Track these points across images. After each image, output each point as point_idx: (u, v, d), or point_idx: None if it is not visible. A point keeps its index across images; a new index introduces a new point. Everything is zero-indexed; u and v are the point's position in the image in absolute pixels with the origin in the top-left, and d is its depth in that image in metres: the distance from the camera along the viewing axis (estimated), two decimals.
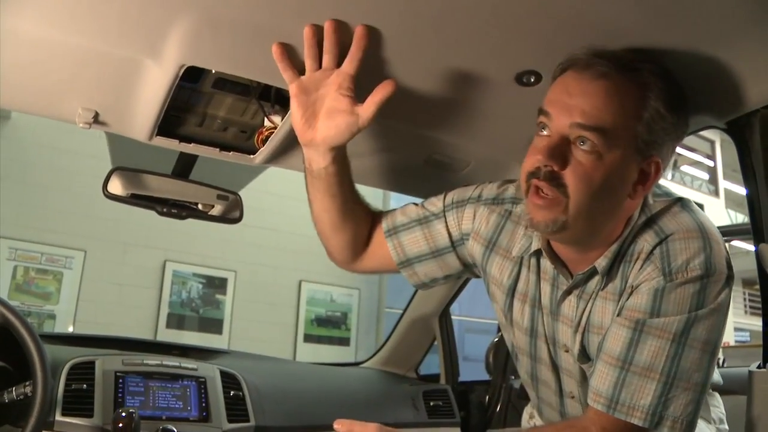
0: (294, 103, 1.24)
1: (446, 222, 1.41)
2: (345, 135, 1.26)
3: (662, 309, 1.10)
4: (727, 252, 1.16)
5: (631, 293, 1.15)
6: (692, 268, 1.10)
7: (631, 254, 1.17)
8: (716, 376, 1.38)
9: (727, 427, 1.42)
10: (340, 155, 1.31)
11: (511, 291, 1.35)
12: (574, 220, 1.11)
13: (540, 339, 1.33)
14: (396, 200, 8.89)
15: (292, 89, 1.22)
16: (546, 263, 1.28)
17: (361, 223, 1.44)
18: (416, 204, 1.47)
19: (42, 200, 6.82)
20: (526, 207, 1.17)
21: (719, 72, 1.24)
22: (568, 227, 1.12)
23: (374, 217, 1.47)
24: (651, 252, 1.14)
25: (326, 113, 1.23)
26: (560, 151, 1.09)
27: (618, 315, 1.16)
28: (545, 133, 1.13)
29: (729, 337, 13.04)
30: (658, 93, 1.11)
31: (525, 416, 1.69)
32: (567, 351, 1.29)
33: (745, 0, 1.07)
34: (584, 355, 1.25)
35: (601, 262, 1.18)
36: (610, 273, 1.19)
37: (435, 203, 1.45)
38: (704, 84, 1.29)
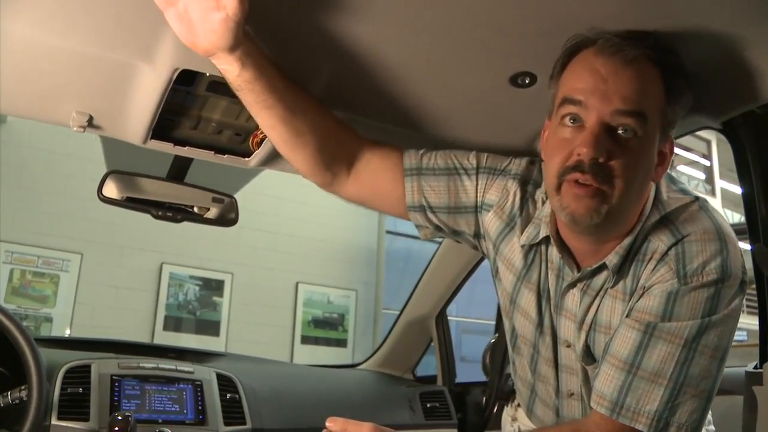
0: (169, 19, 1.08)
1: (477, 182, 1.34)
2: (227, 35, 1.07)
3: (674, 313, 1.07)
4: (742, 256, 1.13)
5: (642, 294, 1.12)
6: (708, 271, 1.07)
7: (644, 253, 1.14)
8: None
9: (713, 428, 1.39)
10: (249, 60, 1.15)
11: (522, 276, 1.30)
12: (616, 209, 1.08)
13: (546, 331, 1.29)
14: None
15: (160, 4, 1.06)
16: (552, 253, 1.24)
17: (328, 135, 1.33)
18: (443, 152, 1.39)
19: (38, 203, 6.79)
20: (563, 201, 1.10)
21: (713, 72, 1.24)
22: (611, 218, 1.08)
23: (356, 135, 1.39)
24: (666, 252, 1.11)
25: (199, 19, 1.07)
26: (606, 141, 1.05)
27: (627, 316, 1.13)
28: (576, 124, 1.08)
29: None
30: (677, 71, 1.11)
31: (506, 418, 1.65)
32: (569, 347, 1.25)
33: (738, 1, 1.07)
34: (589, 355, 1.21)
35: (612, 259, 1.14)
36: (621, 271, 1.15)
37: (468, 158, 1.36)
38: (699, 84, 1.28)
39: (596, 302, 1.19)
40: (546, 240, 1.24)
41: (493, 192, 1.33)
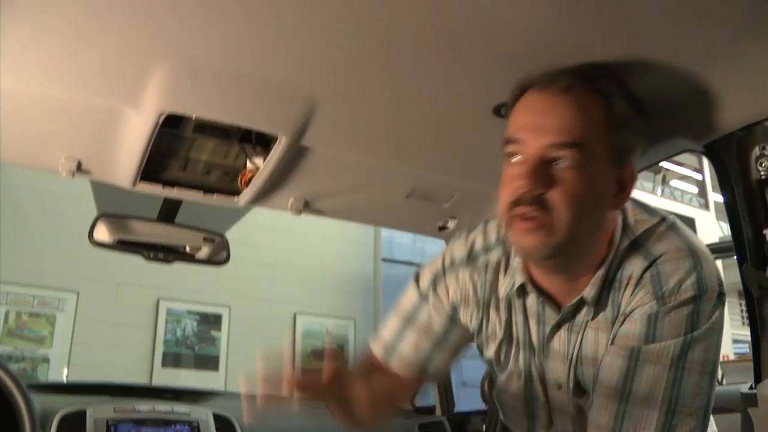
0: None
1: (432, 305, 1.34)
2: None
3: (657, 334, 1.07)
4: (717, 269, 1.12)
5: (624, 321, 1.11)
6: (684, 289, 1.07)
7: (620, 280, 1.13)
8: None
9: None
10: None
11: (509, 339, 1.29)
12: (565, 240, 1.07)
13: (535, 381, 1.28)
14: (388, 228, 8.90)
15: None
16: (530, 300, 1.24)
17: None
18: (392, 313, 1.39)
19: (33, 243, 6.78)
20: (512, 237, 1.11)
21: (695, 96, 1.26)
22: (560, 249, 1.08)
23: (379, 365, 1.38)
24: (641, 276, 1.10)
25: None
26: (541, 173, 1.05)
27: (612, 344, 1.12)
28: (517, 159, 1.09)
29: (727, 349, 12.99)
30: (621, 98, 1.11)
31: None
32: (560, 388, 1.23)
33: (717, 25, 1.09)
34: (579, 389, 1.20)
35: (590, 291, 1.13)
36: (599, 301, 1.14)
37: (410, 296, 1.37)
38: (681, 108, 1.31)
39: (579, 337, 1.18)
40: (521, 292, 1.24)
41: (451, 293, 1.33)
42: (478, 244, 1.32)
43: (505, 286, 1.26)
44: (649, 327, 1.07)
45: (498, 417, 2.37)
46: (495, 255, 1.28)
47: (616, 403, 1.08)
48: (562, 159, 1.05)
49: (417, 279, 1.38)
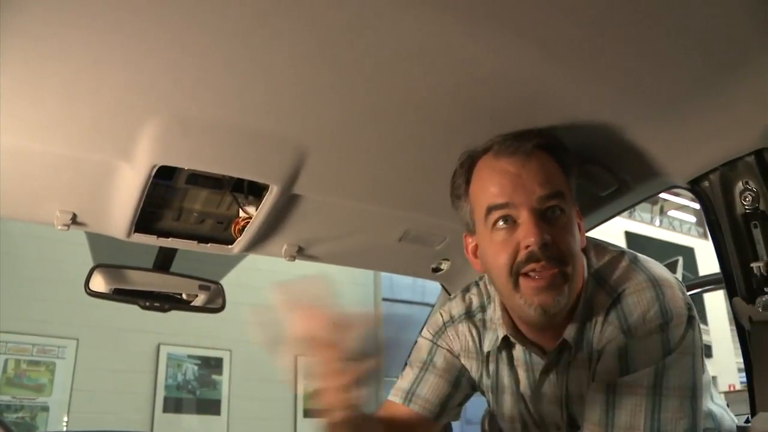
0: None
1: (444, 349, 1.39)
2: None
3: (630, 366, 1.09)
4: (684, 293, 1.15)
5: (599, 358, 1.14)
6: (649, 319, 1.10)
7: (590, 318, 1.17)
8: (734, 424, 1.36)
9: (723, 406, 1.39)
10: None
11: (498, 388, 1.33)
12: (572, 286, 1.12)
13: (531, 426, 1.31)
14: None
15: None
16: (515, 352, 1.28)
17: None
18: (405, 369, 1.42)
19: (32, 291, 6.76)
20: (524, 297, 1.12)
21: (677, 135, 1.29)
22: (570, 296, 1.12)
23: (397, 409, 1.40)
24: (608, 313, 1.14)
25: None
26: (544, 225, 1.10)
27: (593, 380, 1.14)
28: (509, 224, 1.12)
29: (734, 378, 12.85)
30: (561, 148, 1.19)
31: None
32: (558, 429, 1.26)
33: (699, 62, 1.12)
34: (573, 428, 1.23)
35: (570, 332, 1.17)
36: (577, 342, 1.18)
37: (422, 345, 1.41)
38: (664, 147, 1.33)
39: (565, 378, 1.21)
40: (505, 345, 1.27)
41: (453, 344, 1.38)
42: (475, 303, 1.38)
43: (488, 340, 1.31)
44: (621, 360, 1.10)
45: None
46: (489, 312, 1.34)
47: None
48: (552, 210, 1.12)
49: (423, 332, 1.43)
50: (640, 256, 1.22)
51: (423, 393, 1.36)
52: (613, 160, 1.41)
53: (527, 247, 1.10)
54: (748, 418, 1.33)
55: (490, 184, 1.15)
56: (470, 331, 1.35)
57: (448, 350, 1.38)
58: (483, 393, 1.41)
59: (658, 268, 1.19)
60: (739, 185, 1.33)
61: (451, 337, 1.38)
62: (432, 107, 1.22)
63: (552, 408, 1.26)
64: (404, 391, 1.37)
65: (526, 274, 1.11)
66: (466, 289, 1.41)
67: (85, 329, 6.95)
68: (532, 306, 1.12)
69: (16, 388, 6.66)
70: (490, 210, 1.14)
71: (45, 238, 6.80)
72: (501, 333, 1.26)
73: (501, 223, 1.13)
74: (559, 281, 1.10)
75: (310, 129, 1.28)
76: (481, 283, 1.39)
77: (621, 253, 1.22)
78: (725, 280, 1.37)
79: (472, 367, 1.37)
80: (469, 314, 1.37)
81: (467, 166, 1.21)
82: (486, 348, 1.32)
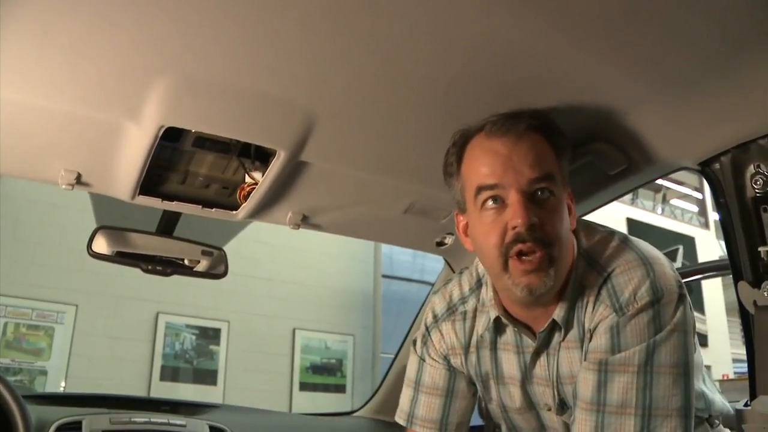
0: None
1: (429, 363, 1.41)
2: None
3: (621, 344, 1.10)
4: (674, 271, 1.16)
5: (591, 337, 1.15)
6: (640, 297, 1.11)
7: (581, 298, 1.18)
8: (724, 406, 1.37)
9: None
10: None
11: (482, 375, 1.36)
12: (561, 266, 1.13)
13: (512, 412, 1.34)
14: (387, 245, 8.89)
15: None
16: (506, 334, 1.29)
17: None
18: (405, 382, 1.47)
19: (32, 255, 6.78)
20: (512, 278, 1.14)
21: (689, 115, 1.28)
22: (557, 278, 1.13)
23: None
24: (599, 292, 1.15)
25: None
26: (532, 207, 1.11)
27: (585, 359, 1.16)
28: (498, 203, 1.14)
29: (728, 368, 12.92)
30: (554, 130, 1.19)
31: None
32: (549, 409, 1.28)
33: (706, 48, 1.10)
34: (563, 408, 1.24)
35: (559, 313, 1.18)
36: (567, 322, 1.19)
37: (412, 363, 1.45)
38: (675, 127, 1.32)
39: (556, 359, 1.23)
40: (497, 327, 1.29)
41: (439, 347, 1.40)
42: (456, 295, 1.40)
43: (482, 323, 1.32)
44: (612, 338, 1.11)
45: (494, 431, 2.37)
46: (471, 303, 1.36)
47: (594, 416, 1.11)
48: (540, 191, 1.12)
49: (414, 344, 1.45)
50: (630, 236, 1.23)
51: (420, 414, 1.40)
52: (623, 138, 1.40)
53: (514, 228, 1.11)
54: (747, 401, 1.33)
55: (481, 164, 1.16)
56: (453, 328, 1.38)
57: (434, 363, 1.40)
58: (473, 383, 1.42)
59: (647, 247, 1.21)
60: (751, 168, 1.32)
61: (436, 341, 1.40)
62: (442, 80, 1.21)
63: (543, 389, 1.27)
64: (405, 414, 1.42)
65: (514, 257, 1.12)
66: (448, 282, 1.44)
67: (84, 295, 6.97)
68: (518, 286, 1.13)
69: (15, 351, 6.70)
70: (480, 190, 1.15)
71: (47, 203, 6.80)
72: (492, 314, 1.28)
73: (490, 203, 1.14)
74: (545, 264, 1.11)
75: (320, 96, 1.26)
76: (463, 275, 1.41)
77: (611, 233, 1.24)
78: (731, 263, 1.37)
79: (460, 361, 1.38)
80: (450, 310, 1.39)
81: (460, 144, 1.21)
82: (479, 331, 1.33)
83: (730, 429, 1.43)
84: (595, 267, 1.18)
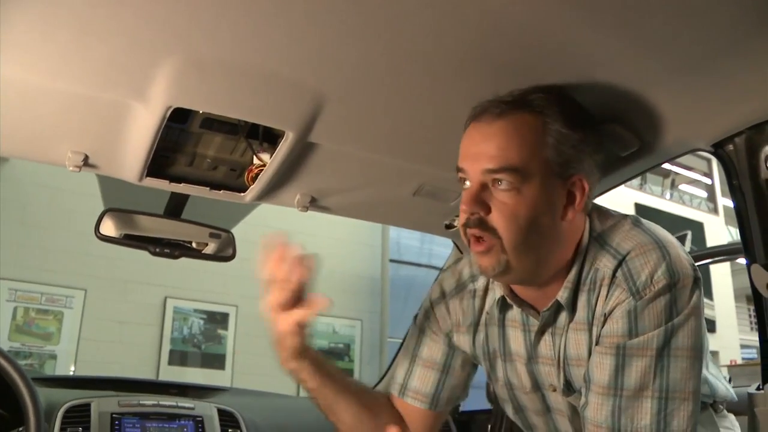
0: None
1: (430, 337, 1.42)
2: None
3: (639, 328, 1.10)
4: (687, 254, 1.16)
5: (605, 321, 1.14)
6: (657, 280, 1.10)
7: (592, 281, 1.17)
8: (727, 392, 1.37)
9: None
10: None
11: (487, 352, 1.36)
12: (515, 257, 1.13)
13: (518, 390, 1.34)
14: (395, 229, 8.90)
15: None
16: (512, 312, 1.29)
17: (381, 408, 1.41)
18: (401, 354, 1.49)
19: (41, 240, 6.81)
20: (473, 259, 1.20)
21: (702, 96, 1.26)
22: (512, 265, 1.13)
23: (383, 398, 1.45)
24: (614, 275, 1.14)
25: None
26: (480, 198, 1.12)
27: (597, 344, 1.15)
28: (467, 185, 1.15)
29: (736, 354, 12.93)
30: (555, 116, 1.14)
31: None
32: (555, 390, 1.27)
33: (725, 23, 1.08)
34: (569, 389, 1.24)
35: (563, 294, 1.18)
36: (574, 303, 1.19)
37: (412, 335, 1.46)
38: (688, 108, 1.30)
39: (563, 339, 1.22)
40: (503, 305, 1.29)
41: (443, 323, 1.41)
42: (466, 273, 1.40)
43: (489, 301, 1.33)
44: (630, 322, 1.11)
45: (503, 416, 2.37)
46: (481, 282, 1.36)
47: (611, 400, 1.11)
48: (499, 182, 1.12)
49: (416, 317, 1.46)
50: (642, 219, 1.22)
51: (414, 385, 1.41)
52: (635, 120, 1.38)
53: (463, 213, 1.15)
54: (759, 385, 1.33)
55: (462, 146, 1.18)
56: (460, 305, 1.38)
57: (435, 337, 1.41)
58: (479, 362, 1.42)
59: (660, 230, 1.20)
60: (765, 149, 1.30)
61: (441, 317, 1.41)
62: (452, 59, 1.20)
63: (548, 369, 1.27)
64: (399, 385, 1.42)
65: (471, 237, 1.15)
66: (459, 260, 1.44)
67: (93, 280, 7.01)
68: (475, 266, 1.19)
69: (24, 335, 6.76)
70: (457, 169, 1.18)
71: (55, 188, 6.82)
72: (498, 293, 1.29)
73: (463, 183, 1.17)
74: (497, 250, 1.13)
75: (328, 76, 1.25)
76: None
77: (624, 216, 1.23)
78: (744, 246, 1.36)
79: (465, 341, 1.39)
80: (459, 287, 1.40)
81: (467, 121, 1.21)
82: (486, 308, 1.34)
83: (734, 414, 1.43)
84: (608, 250, 1.17)
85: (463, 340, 1.39)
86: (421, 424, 1.41)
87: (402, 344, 2.16)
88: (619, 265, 1.14)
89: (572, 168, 1.15)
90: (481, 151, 1.13)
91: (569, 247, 1.18)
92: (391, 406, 1.42)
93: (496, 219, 1.12)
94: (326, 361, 1.31)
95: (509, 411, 1.43)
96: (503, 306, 1.30)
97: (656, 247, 1.13)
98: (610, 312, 1.13)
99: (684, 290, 1.11)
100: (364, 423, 1.34)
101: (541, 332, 1.25)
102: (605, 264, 1.16)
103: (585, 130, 1.17)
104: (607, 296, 1.14)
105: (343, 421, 1.33)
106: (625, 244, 1.16)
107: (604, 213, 1.24)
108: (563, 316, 1.21)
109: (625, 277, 1.13)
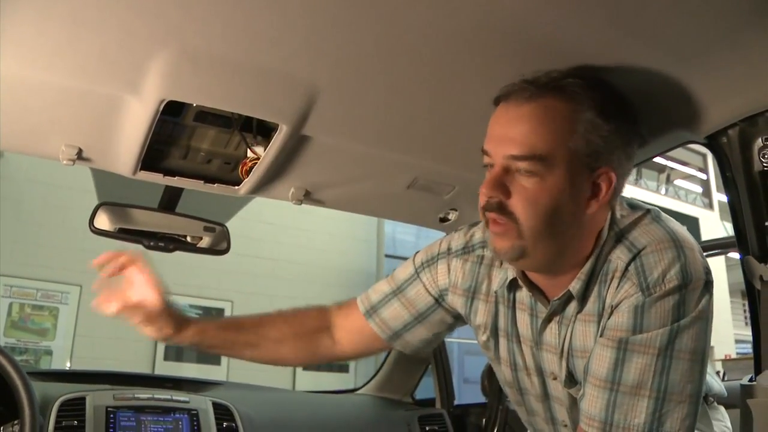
0: None
1: (422, 283, 1.41)
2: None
3: (644, 325, 1.08)
4: (703, 257, 1.14)
5: (611, 313, 1.13)
6: (669, 279, 1.08)
7: (605, 273, 1.15)
8: (719, 387, 1.37)
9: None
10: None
11: (494, 330, 1.34)
12: (532, 243, 1.11)
13: (521, 371, 1.32)
14: (390, 224, 8.90)
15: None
16: (522, 294, 1.27)
17: (297, 332, 1.50)
18: (385, 279, 1.48)
19: (36, 236, 6.81)
20: (488, 237, 1.18)
21: (696, 88, 1.26)
22: (528, 252, 1.12)
23: (318, 313, 1.52)
24: (626, 269, 1.12)
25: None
26: (501, 182, 1.10)
27: (601, 336, 1.14)
28: (488, 169, 1.14)
29: (730, 349, 12.96)
30: (589, 104, 1.10)
31: None
32: (555, 378, 1.26)
33: (715, 17, 1.08)
34: (571, 380, 1.22)
35: (575, 285, 1.16)
36: (585, 295, 1.17)
37: (405, 269, 1.45)
38: (682, 100, 1.30)
39: (569, 329, 1.21)
40: (513, 286, 1.28)
41: (441, 278, 1.39)
42: (477, 237, 1.37)
43: (498, 279, 1.31)
44: (636, 318, 1.09)
45: (498, 410, 2.38)
46: (490, 250, 1.33)
47: (607, 393, 1.10)
48: (522, 169, 1.09)
49: (416, 257, 1.44)
50: (664, 214, 1.20)
51: (384, 315, 1.42)
52: None
53: (482, 195, 1.13)
54: (752, 377, 1.33)
55: (489, 128, 1.15)
56: (462, 267, 1.36)
57: (427, 285, 1.40)
58: (475, 332, 1.40)
59: (679, 227, 1.17)
60: (759, 142, 1.30)
61: (440, 271, 1.39)
62: (448, 50, 1.19)
63: (551, 357, 1.26)
64: (370, 305, 1.44)
65: (490, 219, 1.13)
66: (475, 223, 1.40)
67: (88, 276, 6.98)
68: (491, 246, 1.18)
69: (20, 331, 6.75)
70: (482, 152, 1.15)
71: (50, 185, 6.81)
72: (510, 275, 1.26)
73: (487, 167, 1.14)
74: (513, 234, 1.11)
75: (322, 68, 1.25)
76: None
77: (647, 210, 1.20)
78: (738, 238, 1.36)
79: (459, 302, 1.37)
80: (466, 249, 1.37)
81: (495, 101, 1.17)
82: (494, 286, 1.32)
83: (725, 407, 1.44)
84: (624, 243, 1.15)
85: (457, 302, 1.37)
86: (359, 338, 1.46)
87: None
88: (633, 258, 1.12)
89: (601, 159, 1.11)
90: (507, 134, 1.10)
91: (589, 239, 1.16)
92: (320, 314, 1.51)
93: (515, 204, 1.10)
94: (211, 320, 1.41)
95: (511, 395, 1.41)
96: (511, 286, 1.28)
97: (673, 245, 1.11)
98: (617, 304, 1.12)
99: (694, 293, 1.09)
100: (294, 341, 1.48)
101: (548, 320, 1.23)
102: (619, 256, 1.14)
103: (619, 120, 1.13)
104: (617, 288, 1.13)
105: (273, 350, 1.50)
106: (642, 239, 1.13)
107: (626, 204, 1.22)
108: (572, 306, 1.19)
109: (637, 271, 1.11)
